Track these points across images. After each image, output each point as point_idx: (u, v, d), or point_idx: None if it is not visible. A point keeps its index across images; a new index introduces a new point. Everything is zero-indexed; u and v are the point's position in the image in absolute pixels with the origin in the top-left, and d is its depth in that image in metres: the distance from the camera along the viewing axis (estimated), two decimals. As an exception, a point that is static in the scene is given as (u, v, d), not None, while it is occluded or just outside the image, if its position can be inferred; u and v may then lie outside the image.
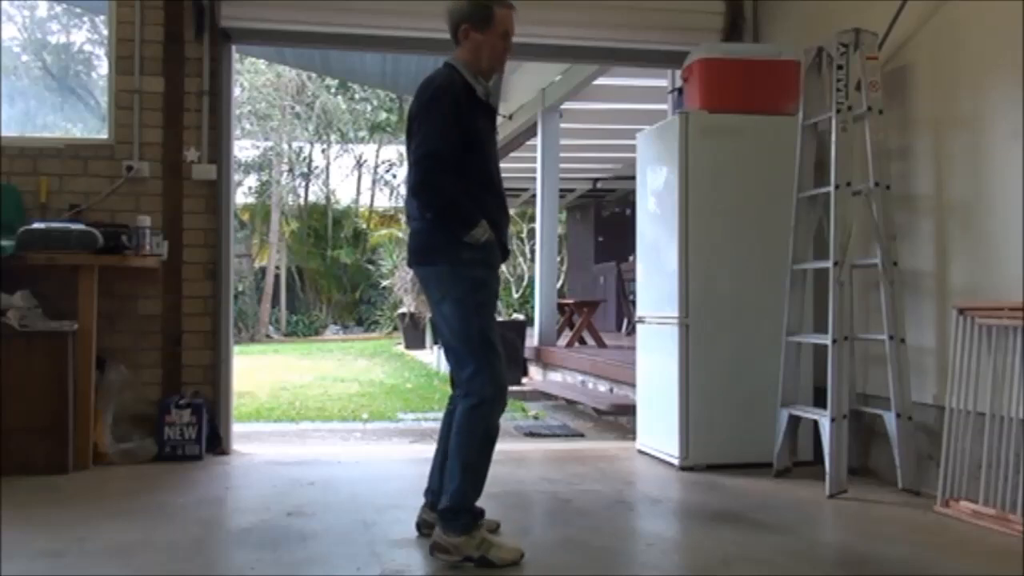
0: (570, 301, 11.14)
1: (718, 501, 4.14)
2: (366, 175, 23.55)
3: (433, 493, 3.47)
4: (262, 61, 17.67)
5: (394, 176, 22.78)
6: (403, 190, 20.98)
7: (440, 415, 3.88)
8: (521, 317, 11.44)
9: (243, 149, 20.31)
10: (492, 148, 3.44)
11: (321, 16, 5.31)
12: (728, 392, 4.79)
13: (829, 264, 4.32)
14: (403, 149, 22.71)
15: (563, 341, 9.90)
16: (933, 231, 4.28)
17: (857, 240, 4.41)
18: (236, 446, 5.32)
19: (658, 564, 3.27)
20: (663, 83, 6.61)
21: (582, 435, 6.55)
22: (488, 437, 3.25)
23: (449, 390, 3.56)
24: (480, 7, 3.34)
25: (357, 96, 21.87)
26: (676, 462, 4.78)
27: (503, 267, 15.29)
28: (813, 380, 4.82)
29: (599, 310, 11.11)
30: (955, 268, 4.15)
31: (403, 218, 19.93)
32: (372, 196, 23.47)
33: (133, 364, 5.05)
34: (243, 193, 20.72)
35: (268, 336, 19.57)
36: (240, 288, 18.39)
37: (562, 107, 9.54)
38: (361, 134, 22.87)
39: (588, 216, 17.51)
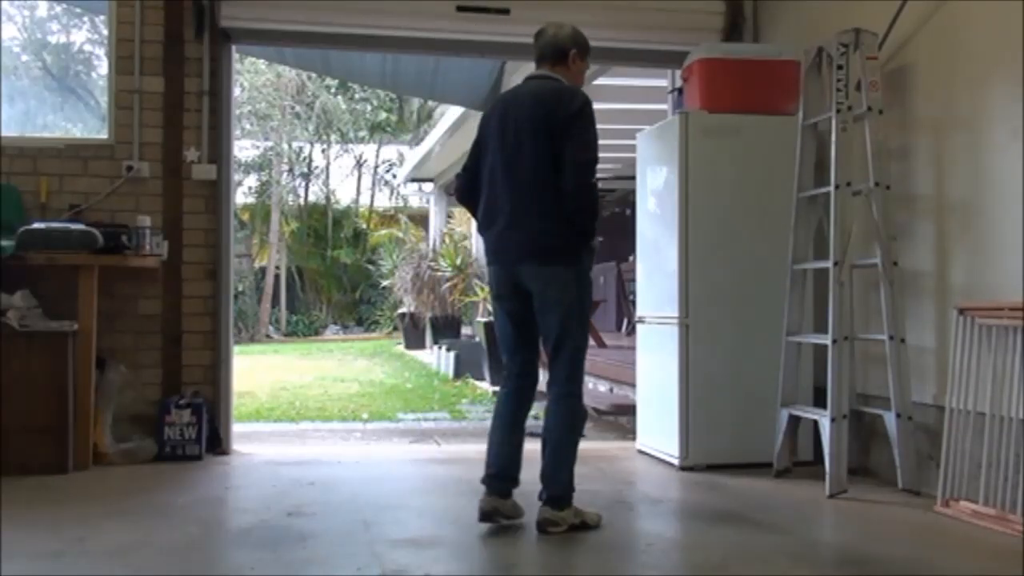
0: (570, 301, 11.10)
1: (718, 501, 4.14)
2: (366, 175, 23.54)
3: (501, 479, 3.60)
4: (262, 61, 17.65)
5: (394, 176, 22.77)
6: (404, 190, 21.18)
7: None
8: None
9: (243, 149, 20.28)
10: None
11: (321, 16, 5.31)
12: (728, 392, 4.79)
13: (829, 264, 4.32)
14: (403, 149, 22.57)
15: (563, 341, 9.87)
16: (933, 231, 4.28)
17: (857, 240, 4.41)
18: (236, 446, 5.32)
19: (658, 564, 3.27)
20: (663, 83, 6.61)
21: (582, 435, 6.54)
22: (582, 428, 3.79)
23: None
24: (584, 38, 3.81)
25: (357, 96, 21.86)
26: (676, 462, 4.78)
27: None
28: (813, 380, 4.82)
29: (599, 310, 11.10)
30: (955, 268, 4.15)
31: (404, 218, 20.04)
32: (372, 196, 23.45)
33: (133, 364, 5.05)
34: (243, 193, 20.69)
35: (268, 336, 19.56)
36: (240, 288, 18.37)
37: (562, 107, 9.51)
38: (361, 134, 22.86)
39: (588, 216, 17.49)
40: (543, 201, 3.47)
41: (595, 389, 7.88)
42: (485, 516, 3.54)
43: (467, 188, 3.77)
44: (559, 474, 3.52)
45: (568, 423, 3.62)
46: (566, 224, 3.48)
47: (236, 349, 5.69)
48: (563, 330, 3.55)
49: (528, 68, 9.45)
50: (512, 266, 3.59)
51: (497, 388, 9.31)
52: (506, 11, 5.40)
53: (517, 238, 3.54)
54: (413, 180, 17.29)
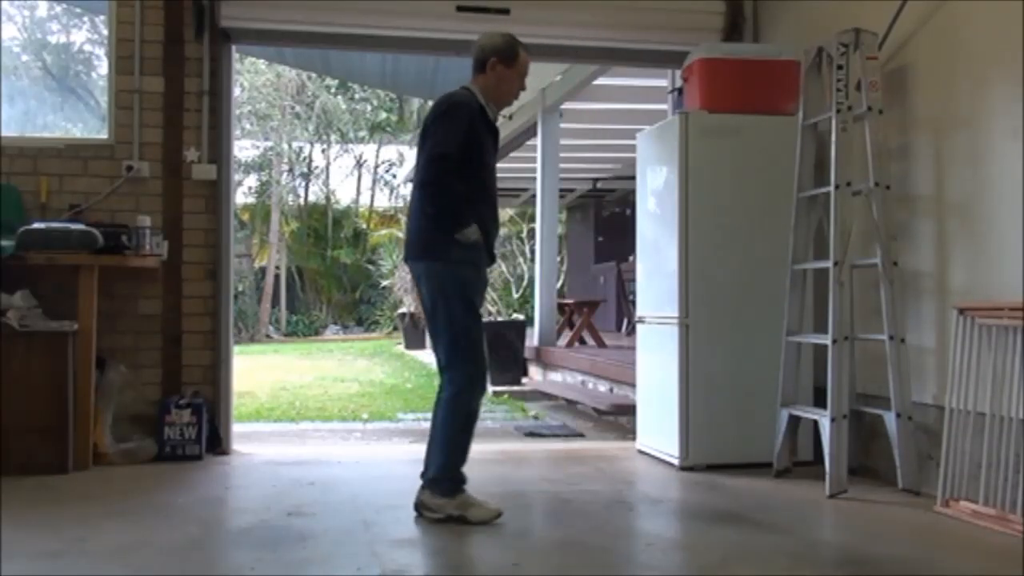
0: (570, 301, 11.14)
1: (718, 501, 4.14)
2: (366, 175, 23.57)
3: (424, 476, 3.76)
4: (262, 61, 17.67)
5: (394, 176, 22.79)
6: (403, 190, 21.19)
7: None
8: (521, 317, 11.43)
9: (243, 149, 20.31)
10: (494, 166, 3.85)
11: (321, 16, 5.31)
12: (728, 392, 4.79)
13: (829, 264, 4.32)
14: (404, 149, 22.61)
15: (563, 341, 9.90)
16: (933, 231, 4.28)
17: (857, 240, 4.41)
18: (236, 446, 5.32)
19: (658, 564, 3.27)
20: (663, 83, 6.61)
21: (582, 435, 6.55)
22: (468, 419, 3.70)
23: (427, 383, 3.79)
24: (509, 45, 3.80)
25: (357, 96, 21.88)
26: (676, 462, 4.78)
27: (503, 267, 15.23)
28: (813, 380, 4.82)
29: (599, 310, 11.12)
30: (955, 268, 4.15)
31: (403, 217, 20.05)
32: (372, 196, 23.49)
33: (133, 364, 5.05)
34: (243, 193, 20.72)
35: (268, 336, 19.58)
36: (240, 288, 18.38)
37: (562, 107, 9.53)
38: (361, 134, 22.87)
39: (588, 216, 17.51)
40: (419, 202, 3.71)
41: (595, 389, 7.88)
42: (415, 507, 3.74)
43: None
44: (433, 458, 3.66)
45: (446, 409, 3.68)
46: (431, 221, 3.64)
47: (236, 349, 5.69)
48: (434, 322, 3.72)
49: (529, 68, 9.39)
50: (409, 266, 3.86)
51: (497, 388, 9.40)
52: (506, 11, 5.40)
53: (406, 239, 3.84)
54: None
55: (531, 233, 14.54)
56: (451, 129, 3.59)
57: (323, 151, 22.62)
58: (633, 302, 9.28)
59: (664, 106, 6.26)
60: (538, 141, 9.89)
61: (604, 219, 16.88)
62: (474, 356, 3.69)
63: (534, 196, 10.73)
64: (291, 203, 22.15)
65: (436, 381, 3.93)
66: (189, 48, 5.19)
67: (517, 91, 3.88)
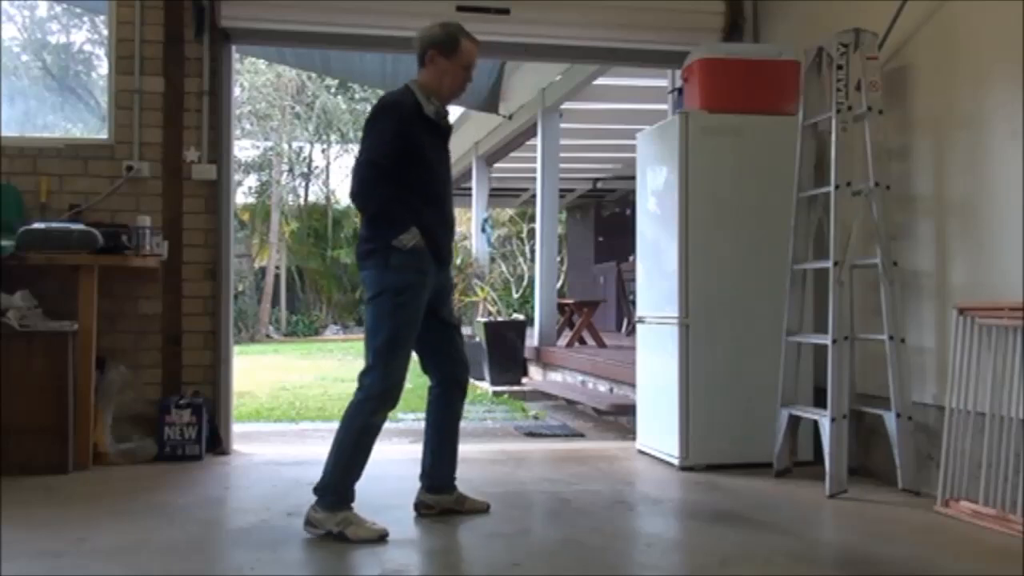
0: (570, 301, 11.15)
1: (718, 501, 4.14)
2: (366, 175, 23.55)
3: (427, 476, 3.82)
4: (262, 61, 17.67)
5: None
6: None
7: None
8: (521, 317, 11.42)
9: (243, 149, 20.35)
10: (440, 166, 3.69)
11: (321, 16, 5.31)
12: (728, 392, 4.79)
13: (829, 264, 4.32)
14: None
15: (563, 341, 9.90)
16: (933, 231, 4.28)
17: (857, 240, 4.41)
18: (236, 446, 5.32)
19: (658, 564, 3.27)
20: (663, 83, 6.61)
21: (582, 435, 6.55)
22: (365, 431, 3.52)
23: (426, 382, 3.86)
24: (449, 36, 3.60)
25: (357, 96, 21.89)
26: (676, 462, 4.78)
27: (503, 267, 15.10)
28: (813, 380, 4.82)
29: (599, 310, 11.12)
30: (955, 268, 4.15)
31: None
32: (372, 196, 23.48)
33: (133, 364, 5.05)
34: (243, 193, 20.76)
35: (268, 336, 19.59)
36: (240, 288, 18.40)
37: (562, 107, 9.54)
38: (361, 134, 22.88)
39: (588, 216, 17.52)
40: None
41: (595, 389, 7.88)
42: (414, 507, 3.80)
43: None
44: (325, 466, 3.52)
45: (347, 413, 3.53)
46: (367, 229, 3.58)
47: (236, 349, 5.69)
48: (366, 327, 3.59)
49: (528, 68, 9.44)
50: None
51: (497, 388, 9.39)
52: (506, 11, 5.40)
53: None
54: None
55: (531, 233, 14.54)
56: (378, 134, 3.48)
57: (323, 151, 22.64)
58: (633, 302, 9.27)
59: (664, 106, 6.25)
60: (538, 141, 9.90)
61: (604, 219, 16.89)
62: (391, 366, 3.48)
63: (534, 196, 10.73)
64: (291, 203, 22.17)
65: (430, 381, 3.87)
66: (189, 48, 5.19)
67: (464, 83, 3.67)
